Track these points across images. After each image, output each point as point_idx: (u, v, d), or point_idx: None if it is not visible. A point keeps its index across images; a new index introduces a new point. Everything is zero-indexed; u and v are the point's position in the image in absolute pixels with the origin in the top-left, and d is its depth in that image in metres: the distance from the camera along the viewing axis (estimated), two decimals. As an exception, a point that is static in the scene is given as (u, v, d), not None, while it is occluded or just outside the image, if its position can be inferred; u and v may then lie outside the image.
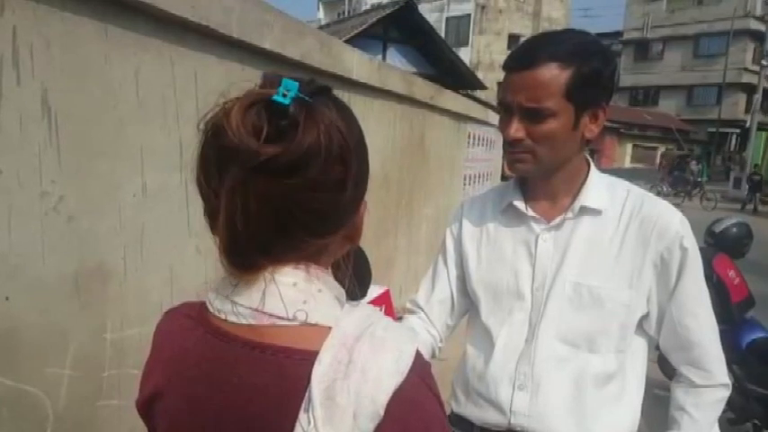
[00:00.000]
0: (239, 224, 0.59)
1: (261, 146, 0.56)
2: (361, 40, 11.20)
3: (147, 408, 0.73)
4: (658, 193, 16.96)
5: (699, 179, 21.24)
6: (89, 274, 1.34)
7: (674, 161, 23.75)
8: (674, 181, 21.50)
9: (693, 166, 23.00)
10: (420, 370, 0.61)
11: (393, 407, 0.57)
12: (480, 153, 6.52)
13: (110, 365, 1.42)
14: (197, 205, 0.66)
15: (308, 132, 0.57)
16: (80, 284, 1.32)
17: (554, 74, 1.06)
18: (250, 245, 0.60)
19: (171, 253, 1.59)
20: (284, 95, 0.58)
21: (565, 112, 1.08)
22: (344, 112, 0.65)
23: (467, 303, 1.39)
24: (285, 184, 0.58)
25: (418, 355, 0.62)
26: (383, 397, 0.57)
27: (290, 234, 0.61)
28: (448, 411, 1.33)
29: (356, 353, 0.58)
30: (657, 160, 31.93)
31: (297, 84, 0.59)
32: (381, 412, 0.56)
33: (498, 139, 6.98)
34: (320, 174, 0.59)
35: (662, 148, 33.90)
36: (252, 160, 0.56)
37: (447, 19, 28.57)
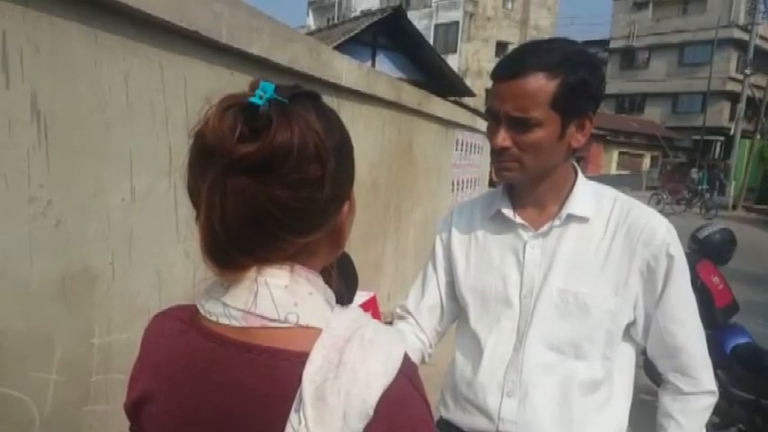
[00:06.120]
0: (217, 223, 0.60)
1: (235, 145, 0.58)
2: (350, 46, 11.19)
3: (135, 411, 0.73)
4: (659, 202, 17.11)
5: (699, 187, 20.86)
6: (76, 278, 1.33)
7: (675, 169, 23.45)
8: (674, 189, 21.11)
9: (694, 173, 22.85)
10: (408, 371, 0.63)
11: (382, 407, 0.58)
12: (468, 159, 6.55)
13: (97, 370, 1.41)
14: (185, 209, 0.66)
15: (281, 131, 0.59)
16: (67, 288, 1.31)
17: (541, 84, 1.07)
18: (229, 244, 0.61)
19: (159, 257, 1.58)
20: (260, 97, 0.59)
21: (551, 121, 1.09)
22: (325, 115, 0.66)
23: (456, 309, 1.39)
24: (260, 183, 0.59)
25: (406, 356, 0.63)
26: (373, 397, 0.58)
27: (268, 233, 0.62)
28: (436, 417, 1.34)
29: (347, 354, 0.59)
30: (644, 167, 32.11)
31: (273, 86, 0.61)
32: (371, 412, 0.57)
33: (486, 146, 7.01)
34: (294, 172, 0.60)
35: (648, 156, 34.18)
36: (227, 159, 0.58)
37: (435, 26, 28.72)
